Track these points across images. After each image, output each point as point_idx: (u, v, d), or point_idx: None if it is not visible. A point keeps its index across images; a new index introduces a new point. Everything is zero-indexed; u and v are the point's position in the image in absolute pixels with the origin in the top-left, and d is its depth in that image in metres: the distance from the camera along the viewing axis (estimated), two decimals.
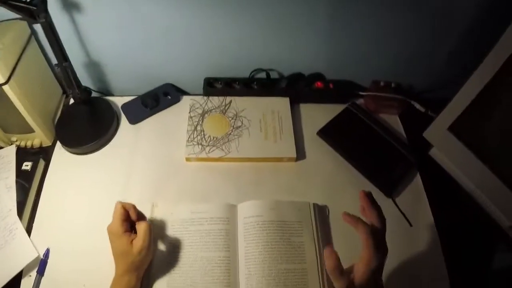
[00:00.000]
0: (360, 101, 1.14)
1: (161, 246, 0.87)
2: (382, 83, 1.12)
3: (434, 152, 1.04)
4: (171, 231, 0.89)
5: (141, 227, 0.79)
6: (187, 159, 1.02)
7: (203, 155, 1.01)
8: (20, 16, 0.81)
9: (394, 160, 1.03)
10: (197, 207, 0.92)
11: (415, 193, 1.00)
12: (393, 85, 1.11)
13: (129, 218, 0.81)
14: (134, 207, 0.82)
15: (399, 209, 0.96)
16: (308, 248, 0.87)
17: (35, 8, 0.80)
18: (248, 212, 0.91)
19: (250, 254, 0.86)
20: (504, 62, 0.80)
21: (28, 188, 0.96)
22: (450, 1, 0.95)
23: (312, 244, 0.88)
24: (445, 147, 1.00)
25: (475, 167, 0.93)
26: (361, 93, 1.13)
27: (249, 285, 0.83)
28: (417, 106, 1.10)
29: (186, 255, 0.86)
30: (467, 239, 0.95)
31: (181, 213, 0.91)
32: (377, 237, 0.66)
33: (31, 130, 1.00)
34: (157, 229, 0.89)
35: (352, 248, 0.88)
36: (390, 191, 0.98)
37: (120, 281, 0.77)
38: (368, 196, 0.69)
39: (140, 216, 0.83)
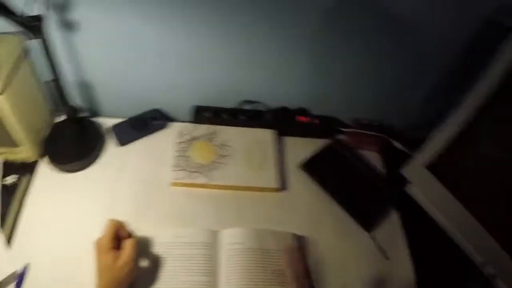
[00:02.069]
0: (343, 137, 1.18)
1: (143, 269, 0.88)
2: (364, 121, 1.16)
3: (411, 189, 1.07)
4: (153, 254, 0.90)
5: (127, 243, 0.81)
6: (173, 184, 1.03)
7: (188, 180, 1.02)
8: (20, 30, 0.81)
9: (373, 195, 1.06)
10: (180, 231, 0.93)
11: (392, 228, 1.03)
12: (375, 123, 1.16)
13: (118, 237, 0.83)
14: (124, 225, 0.84)
15: (376, 244, 0.98)
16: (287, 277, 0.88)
17: (33, 23, 0.81)
18: (231, 239, 0.92)
19: (232, 280, 0.87)
20: (479, 107, 0.85)
21: (10, 202, 0.96)
22: (427, 51, 1.01)
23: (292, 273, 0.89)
24: (422, 184, 1.03)
25: (450, 204, 0.96)
26: (343, 129, 1.17)
27: None
28: (397, 144, 1.15)
29: (167, 279, 0.86)
30: (442, 274, 0.98)
31: (163, 237, 0.92)
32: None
33: (17, 145, 0.99)
34: (139, 251, 0.89)
35: (330, 279, 0.92)
36: (368, 226, 1.01)
37: None
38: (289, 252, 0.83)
39: (129, 235, 0.85)
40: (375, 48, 1.01)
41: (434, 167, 0.99)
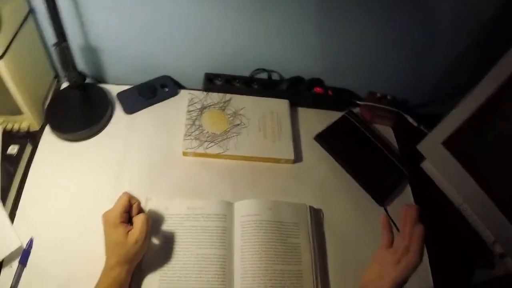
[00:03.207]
0: (357, 110, 1.16)
1: (155, 241, 0.84)
2: (378, 94, 1.14)
3: (425, 165, 1.06)
4: (165, 226, 0.87)
5: (139, 218, 0.77)
6: (184, 154, 1.00)
7: (201, 150, 0.99)
8: None
9: (387, 169, 1.05)
10: (194, 202, 0.90)
11: (404, 203, 1.01)
12: (389, 97, 1.14)
13: (129, 212, 0.78)
14: (139, 203, 0.80)
15: (390, 218, 0.97)
16: (303, 250, 0.87)
17: None
18: (246, 211, 0.90)
19: (247, 253, 0.85)
20: (500, 86, 0.84)
21: (13, 173, 0.91)
22: (447, 22, 0.99)
23: (308, 246, 0.88)
24: (437, 161, 1.02)
25: (465, 182, 0.95)
26: (358, 102, 1.15)
27: (244, 285, 0.81)
28: (410, 119, 1.14)
29: (180, 252, 0.84)
30: (453, 252, 0.98)
31: (176, 208, 0.89)
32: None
33: (19, 112, 0.95)
34: (151, 227, 0.85)
35: (344, 253, 0.92)
36: (382, 200, 1.00)
37: (110, 273, 0.74)
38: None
39: (141, 210, 0.81)
40: (393, 14, 0.98)
41: (450, 144, 0.98)
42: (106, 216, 0.76)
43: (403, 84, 1.16)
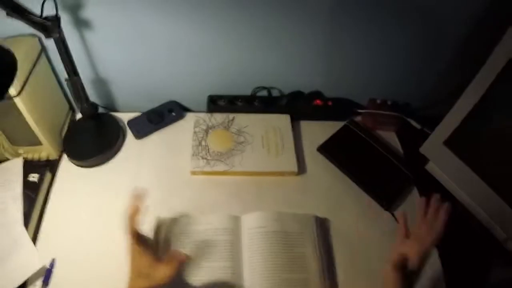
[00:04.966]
0: (358, 119, 1.18)
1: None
2: (378, 101, 1.16)
3: (430, 167, 1.07)
4: (176, 241, 0.91)
5: (175, 257, 0.76)
6: (193, 173, 1.05)
7: (208, 168, 1.04)
8: (35, 30, 0.83)
9: (392, 174, 1.06)
10: (202, 218, 0.95)
11: (413, 207, 1.02)
12: (389, 102, 1.15)
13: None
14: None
15: (397, 221, 0.98)
16: (310, 258, 0.90)
17: (49, 23, 0.83)
18: (252, 223, 0.93)
19: (255, 264, 0.88)
20: (493, 81, 0.85)
21: (34, 199, 0.98)
22: (440, 26, 1.01)
23: (314, 255, 0.90)
24: (441, 161, 1.03)
25: (470, 180, 0.96)
26: (359, 110, 1.17)
27: None
28: (413, 123, 1.15)
29: (189, 265, 0.87)
30: (465, 252, 0.97)
31: (186, 225, 0.93)
32: None
33: (38, 143, 1.02)
34: (162, 239, 0.91)
35: (353, 258, 0.93)
36: (388, 204, 1.01)
37: None
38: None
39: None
40: (389, 25, 1.01)
41: (451, 143, 0.99)
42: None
43: (403, 89, 1.17)
